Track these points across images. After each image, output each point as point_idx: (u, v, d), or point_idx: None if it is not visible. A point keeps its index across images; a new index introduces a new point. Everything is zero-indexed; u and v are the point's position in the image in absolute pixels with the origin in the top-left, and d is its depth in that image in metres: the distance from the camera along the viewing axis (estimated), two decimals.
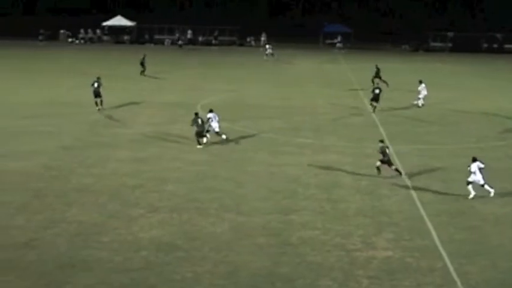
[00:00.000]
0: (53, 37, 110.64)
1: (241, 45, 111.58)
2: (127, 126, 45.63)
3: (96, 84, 49.45)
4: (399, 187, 32.91)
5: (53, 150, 38.48)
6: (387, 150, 34.43)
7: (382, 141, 35.38)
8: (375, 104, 50.78)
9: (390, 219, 28.44)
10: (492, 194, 30.93)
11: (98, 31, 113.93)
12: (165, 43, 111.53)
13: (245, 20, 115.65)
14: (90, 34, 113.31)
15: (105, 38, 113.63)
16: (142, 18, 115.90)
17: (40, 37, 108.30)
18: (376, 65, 63.75)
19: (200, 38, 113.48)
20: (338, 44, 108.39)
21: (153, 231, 26.41)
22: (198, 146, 39.78)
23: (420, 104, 54.06)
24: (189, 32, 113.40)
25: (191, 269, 23.04)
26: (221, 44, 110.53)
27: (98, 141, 41.33)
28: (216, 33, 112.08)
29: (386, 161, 34.28)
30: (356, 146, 41.19)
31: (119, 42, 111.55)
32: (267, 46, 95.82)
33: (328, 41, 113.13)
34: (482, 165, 31.04)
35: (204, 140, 40.35)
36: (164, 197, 30.59)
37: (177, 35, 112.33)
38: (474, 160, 31.11)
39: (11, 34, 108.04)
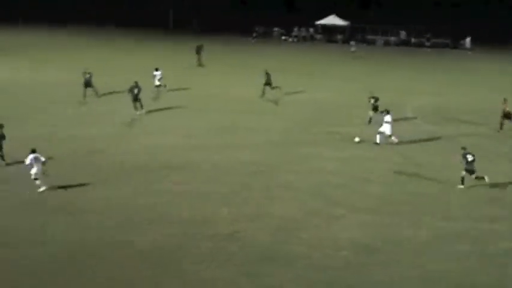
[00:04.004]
0: (266, 35, 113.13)
1: (454, 47, 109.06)
2: (334, 124, 45.94)
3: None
4: None
5: (261, 146, 39.47)
6: None
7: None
8: None
9: None
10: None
11: (311, 29, 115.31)
12: (377, 43, 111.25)
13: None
14: (303, 32, 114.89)
15: (318, 36, 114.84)
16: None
17: (254, 34, 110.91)
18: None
19: (412, 40, 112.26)
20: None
21: (354, 232, 26.51)
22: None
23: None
24: (403, 33, 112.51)
25: (389, 272, 22.97)
26: (434, 46, 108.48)
27: (304, 138, 41.96)
28: (428, 35, 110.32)
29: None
30: None
31: (331, 41, 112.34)
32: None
33: None
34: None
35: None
36: (366, 198, 30.63)
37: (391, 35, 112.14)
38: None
39: (228, 31, 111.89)
